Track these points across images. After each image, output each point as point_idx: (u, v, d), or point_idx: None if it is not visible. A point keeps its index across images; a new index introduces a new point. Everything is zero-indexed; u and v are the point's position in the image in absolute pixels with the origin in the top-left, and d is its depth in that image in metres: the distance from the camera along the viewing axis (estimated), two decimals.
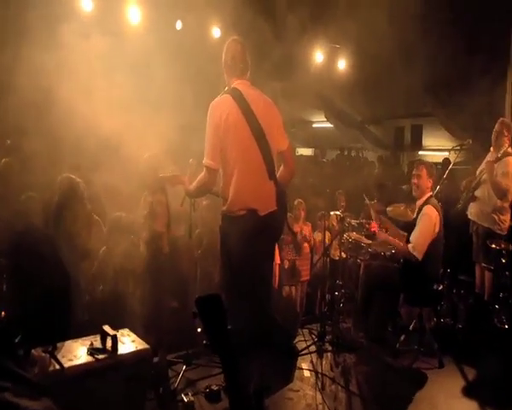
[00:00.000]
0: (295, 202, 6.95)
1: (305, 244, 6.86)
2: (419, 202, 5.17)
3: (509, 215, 5.85)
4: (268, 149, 3.60)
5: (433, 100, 12.48)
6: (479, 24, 9.09)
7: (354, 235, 6.04)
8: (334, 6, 7.92)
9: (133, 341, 3.64)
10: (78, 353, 3.36)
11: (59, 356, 3.21)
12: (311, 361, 4.88)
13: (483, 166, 5.97)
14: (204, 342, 4.49)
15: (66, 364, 3.17)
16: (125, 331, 3.75)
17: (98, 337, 3.52)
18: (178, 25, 8.61)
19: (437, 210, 5.02)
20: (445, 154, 11.21)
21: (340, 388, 4.39)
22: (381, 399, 4.30)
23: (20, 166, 6.31)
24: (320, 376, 4.57)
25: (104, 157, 5.54)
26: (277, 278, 6.02)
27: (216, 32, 8.96)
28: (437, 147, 14.14)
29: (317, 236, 7.06)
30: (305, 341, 5.23)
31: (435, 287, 5.02)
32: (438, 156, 12.64)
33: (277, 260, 5.93)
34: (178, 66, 6.33)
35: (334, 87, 12.32)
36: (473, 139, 6.42)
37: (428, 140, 14.68)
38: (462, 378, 4.62)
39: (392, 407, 4.23)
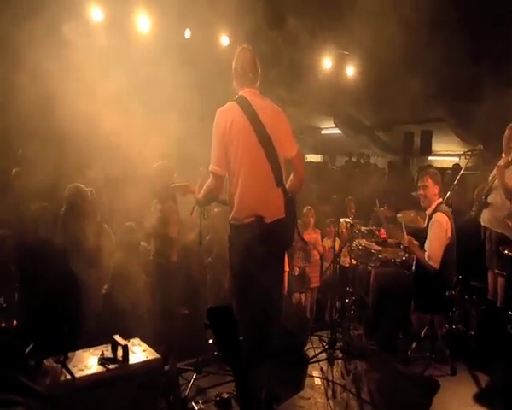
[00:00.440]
0: (304, 210, 6.95)
1: (315, 251, 6.84)
2: (429, 211, 5.16)
3: None
4: (275, 157, 3.59)
5: (443, 105, 12.44)
6: (488, 29, 9.05)
7: (364, 242, 6.01)
8: (343, 13, 7.92)
9: (144, 350, 3.65)
10: (89, 363, 3.38)
11: (70, 366, 3.23)
12: (322, 369, 4.86)
13: (495, 171, 5.93)
14: (215, 352, 4.48)
15: (78, 374, 3.18)
16: (136, 341, 3.76)
17: (109, 347, 3.54)
18: (187, 33, 8.67)
19: (447, 216, 5.00)
20: (455, 159, 11.17)
21: (351, 395, 4.36)
22: (392, 407, 4.28)
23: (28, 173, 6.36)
24: (331, 383, 4.55)
25: (113, 164, 5.57)
26: (287, 285, 6.01)
27: (224, 40, 9.01)
28: (447, 152, 14.09)
29: (327, 243, 7.04)
30: (316, 348, 5.21)
31: (447, 293, 4.99)
32: (448, 162, 12.60)
33: (287, 267, 5.91)
34: (187, 74, 6.36)
35: (343, 93, 12.30)
36: (483, 145, 6.38)
37: (438, 145, 14.60)
38: (475, 385, 4.58)
39: None
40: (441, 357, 4.93)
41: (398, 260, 5.49)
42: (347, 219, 6.25)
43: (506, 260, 5.54)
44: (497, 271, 5.80)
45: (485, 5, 8.67)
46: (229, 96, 3.75)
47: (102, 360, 3.39)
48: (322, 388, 4.49)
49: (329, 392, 4.41)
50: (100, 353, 3.48)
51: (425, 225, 5.19)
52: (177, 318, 4.74)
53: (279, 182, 3.61)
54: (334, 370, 4.85)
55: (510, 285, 5.57)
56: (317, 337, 5.49)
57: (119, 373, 3.35)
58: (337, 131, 16.79)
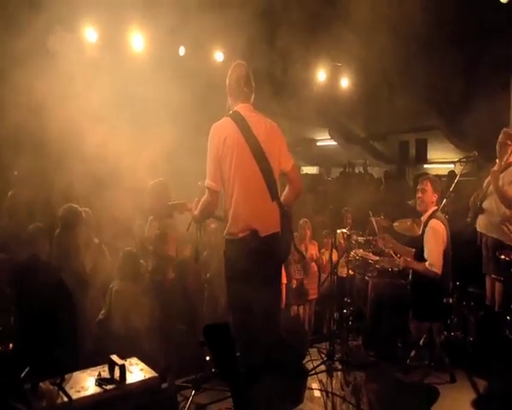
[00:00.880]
0: (300, 222, 6.95)
1: (313, 263, 6.84)
2: (424, 217, 5.18)
3: None
4: (270, 171, 3.61)
5: (437, 113, 12.52)
6: (480, 36, 9.14)
7: (361, 252, 6.02)
8: (335, 25, 7.98)
9: (141, 369, 3.64)
10: (86, 384, 3.36)
11: (67, 388, 3.22)
12: (321, 381, 4.85)
13: (489, 177, 5.97)
14: (213, 369, 4.47)
15: (75, 396, 3.17)
16: (134, 360, 3.75)
17: (106, 367, 3.52)
18: (181, 51, 8.74)
19: (443, 223, 5.02)
20: (451, 166, 11.22)
21: (350, 407, 4.36)
22: None
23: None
24: (330, 395, 4.55)
25: (108, 182, 5.59)
26: (285, 298, 6.01)
27: (219, 56, 9.08)
28: (442, 160, 14.15)
29: (324, 254, 7.04)
30: (315, 360, 5.19)
31: (445, 301, 4.99)
32: (443, 169, 12.63)
33: (284, 279, 5.92)
34: (182, 90, 6.40)
35: (338, 105, 12.39)
36: (478, 151, 6.42)
37: (433, 153, 14.68)
38: (475, 392, 4.58)
39: None
40: (440, 365, 4.92)
41: (396, 269, 5.50)
42: (344, 230, 6.27)
43: (502, 265, 5.56)
44: (493, 276, 5.82)
45: (476, 15, 8.77)
46: (224, 111, 3.79)
47: (100, 381, 3.37)
48: (322, 400, 4.49)
49: (329, 404, 4.40)
50: (97, 373, 3.46)
51: (420, 232, 5.20)
52: (174, 334, 4.73)
53: (274, 196, 3.63)
54: (334, 381, 4.84)
55: (507, 290, 5.58)
56: (315, 349, 5.47)
57: (116, 394, 3.33)
58: (332, 142, 16.87)
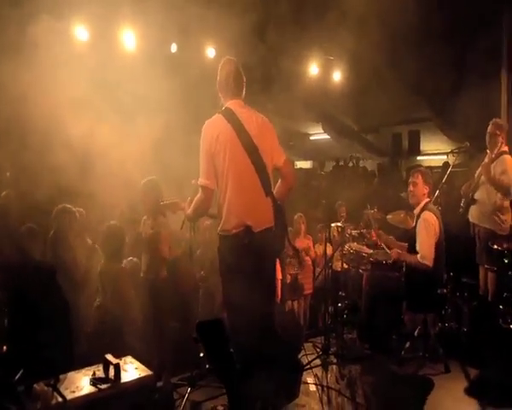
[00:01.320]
0: (295, 217, 6.97)
1: (307, 258, 6.86)
2: (417, 210, 5.19)
3: (509, 215, 5.85)
4: (263, 166, 3.62)
5: (429, 105, 12.53)
6: (471, 29, 9.15)
7: (355, 245, 6.05)
8: (327, 18, 7.98)
9: (136, 368, 3.64)
10: (80, 384, 3.37)
11: (61, 388, 3.22)
12: (316, 375, 4.87)
13: (480, 169, 5.99)
14: (207, 366, 4.48)
15: (69, 396, 3.17)
16: (128, 359, 3.76)
17: (101, 367, 3.53)
18: (173, 47, 8.71)
19: (435, 215, 5.03)
20: (444, 158, 11.23)
21: (346, 400, 4.38)
22: (387, 409, 4.30)
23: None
24: (326, 389, 4.57)
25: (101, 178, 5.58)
26: (280, 293, 6.01)
27: (211, 51, 9.05)
28: (435, 151, 14.17)
29: (319, 248, 7.06)
30: (310, 354, 5.22)
31: (439, 291, 5.01)
32: (436, 160, 12.67)
33: (279, 275, 5.93)
34: (174, 86, 6.39)
35: (330, 98, 12.38)
36: (470, 142, 6.44)
37: (426, 145, 14.71)
38: (469, 382, 4.62)
39: None
40: (435, 355, 4.95)
41: (390, 261, 5.51)
42: (338, 224, 6.29)
43: (495, 256, 5.59)
44: (486, 266, 5.85)
45: (465, 5, 8.77)
46: (216, 107, 3.78)
47: (94, 381, 3.37)
48: (317, 394, 4.51)
49: (324, 398, 4.43)
50: (92, 373, 3.47)
51: (413, 224, 5.22)
52: (168, 333, 4.73)
53: (267, 191, 3.64)
54: (329, 375, 4.86)
55: (500, 280, 5.61)
56: (310, 344, 5.49)
57: (111, 393, 3.34)
58: (326, 136, 16.85)
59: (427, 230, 4.95)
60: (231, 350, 3.50)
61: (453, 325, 5.50)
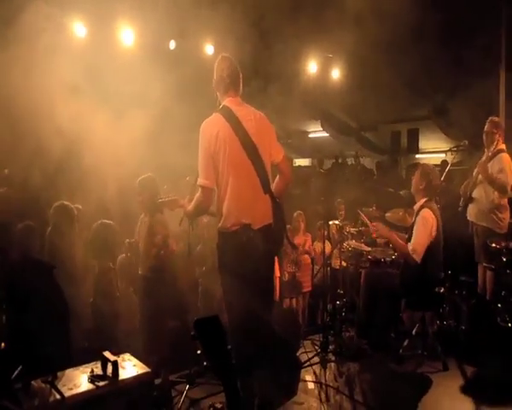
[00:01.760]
0: (294, 214, 6.96)
1: (306, 256, 6.86)
2: (416, 206, 5.16)
3: (507, 213, 5.86)
4: (261, 163, 3.62)
5: (428, 103, 12.54)
6: (470, 27, 9.14)
7: (354, 243, 6.05)
8: (326, 16, 7.97)
9: (134, 365, 3.63)
10: (78, 381, 3.35)
11: (59, 386, 3.21)
12: (315, 373, 4.87)
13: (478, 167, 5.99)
14: (205, 363, 4.48)
15: (67, 393, 3.15)
16: (126, 356, 3.74)
17: (99, 364, 3.51)
18: (172, 44, 8.70)
19: (434, 214, 4.96)
20: (442, 156, 11.25)
21: (344, 397, 4.38)
22: (386, 406, 4.30)
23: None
24: (324, 387, 4.56)
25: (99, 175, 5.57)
26: (278, 291, 6.02)
27: (209, 48, 9.04)
28: (434, 149, 14.18)
29: (317, 246, 7.06)
30: (308, 352, 5.22)
31: (437, 290, 5.01)
32: (435, 159, 12.66)
33: (277, 272, 5.93)
34: (172, 84, 6.39)
35: (329, 96, 12.38)
36: (469, 140, 6.44)
37: (425, 143, 14.72)
38: (467, 380, 4.62)
39: None
40: (433, 354, 4.95)
41: (388, 259, 5.53)
42: (336, 222, 6.30)
43: (493, 254, 5.60)
44: (485, 264, 5.86)
45: (464, 3, 8.77)
46: (214, 105, 3.77)
47: (92, 378, 3.36)
48: (316, 391, 4.51)
49: (323, 395, 4.42)
50: (89, 370, 3.46)
51: (413, 219, 5.19)
52: (166, 330, 4.73)
53: (266, 188, 3.64)
54: (327, 373, 4.86)
55: (499, 278, 5.61)
56: (309, 341, 5.50)
57: (109, 390, 3.32)
58: (325, 134, 16.85)
59: (425, 227, 4.91)
60: (229, 347, 3.49)
61: (451, 323, 5.50)
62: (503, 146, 5.85)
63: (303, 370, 4.82)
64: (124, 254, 5.20)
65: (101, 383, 3.33)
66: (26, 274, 4.24)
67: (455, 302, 5.70)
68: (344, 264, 6.06)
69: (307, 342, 5.46)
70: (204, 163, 3.56)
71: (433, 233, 4.90)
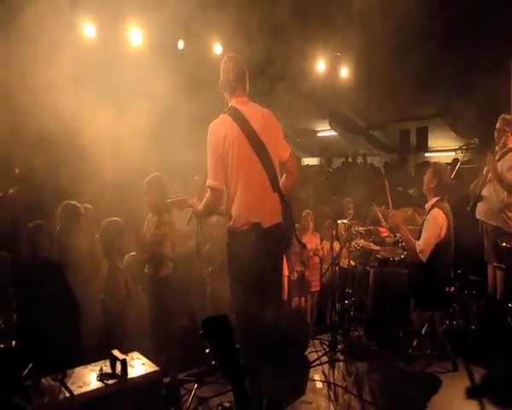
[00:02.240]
0: (303, 213, 6.94)
1: (315, 257, 6.83)
2: (428, 205, 5.11)
3: None
4: (270, 162, 3.62)
5: (437, 101, 12.48)
6: (481, 23, 9.07)
7: (362, 242, 6.03)
8: (335, 15, 7.95)
9: (143, 363, 3.66)
10: (87, 379, 3.38)
11: (69, 384, 3.23)
12: (324, 372, 4.86)
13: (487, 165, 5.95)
14: (213, 362, 4.48)
15: (76, 391, 3.18)
16: (135, 354, 3.77)
17: (108, 362, 3.53)
18: (180, 44, 8.72)
19: (445, 214, 4.90)
20: (452, 154, 11.19)
21: (353, 397, 4.37)
22: (395, 406, 4.28)
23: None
24: (333, 386, 4.56)
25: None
26: (286, 290, 6.01)
27: (218, 48, 9.05)
28: (443, 148, 14.11)
29: (326, 245, 7.04)
30: (317, 351, 5.22)
31: (447, 289, 4.99)
32: (445, 157, 12.60)
33: (286, 271, 5.92)
34: (181, 84, 6.40)
35: (338, 95, 12.35)
36: (479, 138, 6.40)
37: (434, 141, 14.63)
38: (477, 380, 4.59)
39: None
40: (442, 353, 4.93)
41: (397, 258, 5.50)
42: (345, 221, 6.28)
43: (503, 253, 5.55)
44: (495, 264, 5.81)
45: (474, 3, 8.72)
46: (223, 104, 3.77)
47: (101, 376, 3.39)
48: (324, 391, 4.50)
49: (331, 395, 4.42)
50: (99, 369, 3.48)
51: (423, 219, 5.16)
52: (175, 329, 4.74)
53: (275, 187, 3.64)
54: (336, 372, 4.85)
55: (509, 278, 5.57)
56: (317, 341, 5.49)
57: (118, 388, 3.35)
58: (333, 133, 16.81)
59: (434, 226, 4.87)
60: (237, 346, 3.49)
61: (461, 322, 5.48)
62: None
63: (311, 369, 4.81)
64: (131, 253, 5.21)
65: (110, 382, 3.36)
66: (36, 273, 4.27)
67: (465, 302, 5.66)
68: (352, 263, 6.05)
69: (316, 342, 5.46)
70: (213, 164, 3.57)
71: (442, 234, 4.85)
